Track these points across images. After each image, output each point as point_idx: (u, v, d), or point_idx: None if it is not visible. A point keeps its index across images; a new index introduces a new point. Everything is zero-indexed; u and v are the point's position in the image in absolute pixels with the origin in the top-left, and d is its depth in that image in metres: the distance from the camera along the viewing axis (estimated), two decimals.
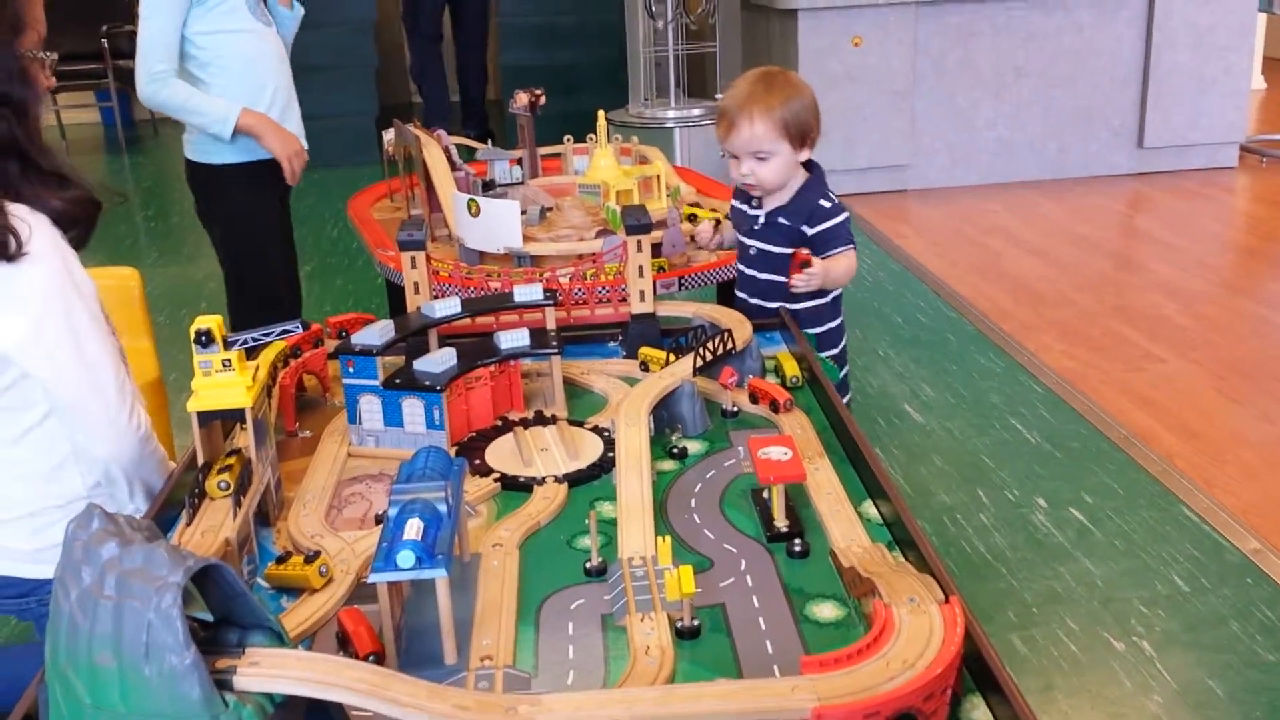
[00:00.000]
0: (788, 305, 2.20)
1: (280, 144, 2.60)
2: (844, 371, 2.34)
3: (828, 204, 2.17)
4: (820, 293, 2.21)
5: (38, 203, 1.48)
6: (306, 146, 2.79)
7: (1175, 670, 2.09)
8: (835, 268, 2.15)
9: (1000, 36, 5.41)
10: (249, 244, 2.81)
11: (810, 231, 2.16)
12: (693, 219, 2.35)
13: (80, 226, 1.53)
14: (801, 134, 2.14)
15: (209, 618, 0.97)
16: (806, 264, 2.09)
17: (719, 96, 5.58)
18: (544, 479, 1.45)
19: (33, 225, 1.44)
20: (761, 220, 2.21)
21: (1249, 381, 3.32)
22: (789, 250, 2.17)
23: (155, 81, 2.49)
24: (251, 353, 1.38)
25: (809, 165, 2.22)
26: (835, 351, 2.29)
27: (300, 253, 3.03)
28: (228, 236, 2.84)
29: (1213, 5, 5.41)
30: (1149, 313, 3.88)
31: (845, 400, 2.30)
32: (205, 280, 4.50)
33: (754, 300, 2.23)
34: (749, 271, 2.25)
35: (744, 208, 2.25)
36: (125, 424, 1.52)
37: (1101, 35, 5.46)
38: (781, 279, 2.15)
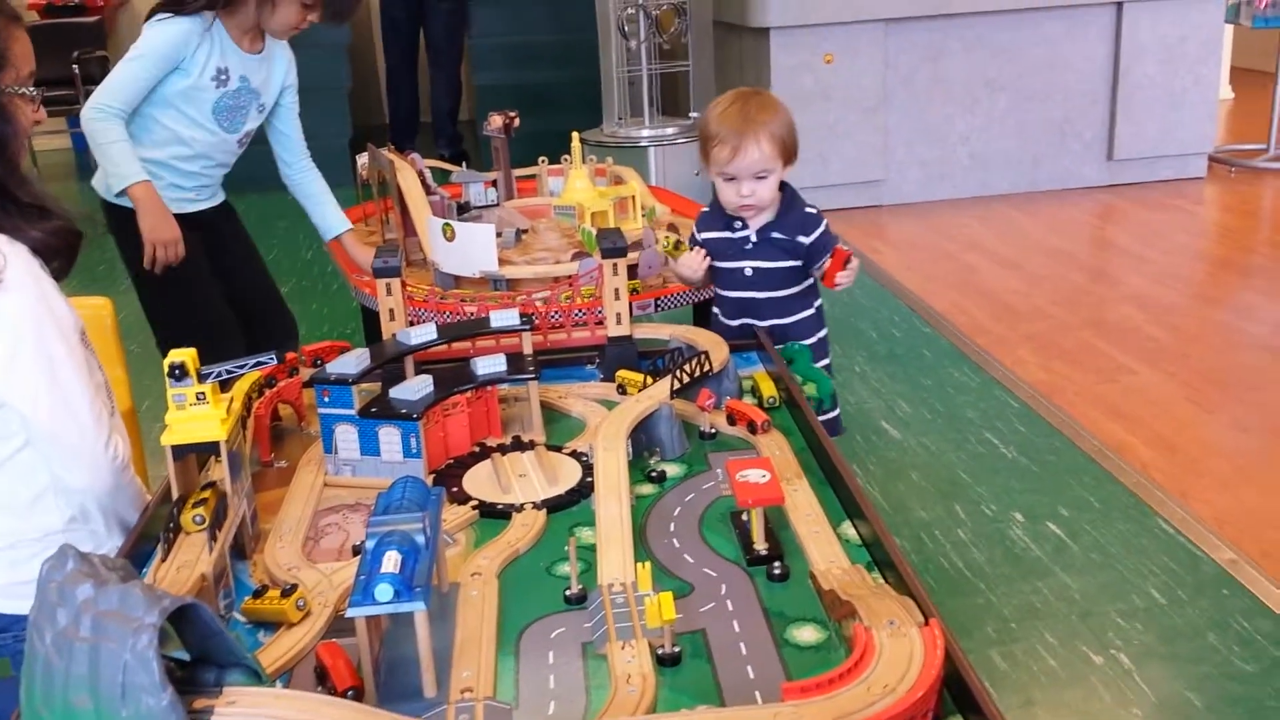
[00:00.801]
0: (780, 321, 2.23)
1: (150, 229, 2.47)
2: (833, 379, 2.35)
3: (813, 210, 2.22)
4: (809, 303, 2.25)
5: (17, 234, 1.48)
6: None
7: (1154, 683, 2.10)
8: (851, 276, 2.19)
9: (970, 51, 5.45)
10: (160, 292, 2.65)
11: (807, 240, 2.19)
12: (679, 245, 2.33)
13: (61, 257, 1.53)
14: (793, 151, 2.19)
15: (186, 657, 0.97)
16: (848, 260, 2.13)
17: (694, 115, 5.61)
18: (522, 506, 1.44)
19: (9, 255, 1.44)
20: (754, 239, 2.21)
21: (1222, 391, 3.35)
22: (788, 264, 2.19)
23: (100, 111, 2.45)
24: (226, 384, 1.38)
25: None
26: (827, 361, 2.31)
27: (274, 276, 3.00)
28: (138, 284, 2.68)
29: (1181, 17, 5.47)
30: (1122, 325, 3.91)
31: (836, 412, 2.32)
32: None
33: (745, 322, 2.22)
34: (742, 294, 2.22)
35: (725, 234, 2.23)
36: (101, 455, 1.51)
37: (1071, 49, 5.51)
38: (782, 293, 2.19)
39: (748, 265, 2.22)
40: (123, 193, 2.49)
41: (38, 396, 1.46)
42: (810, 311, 2.26)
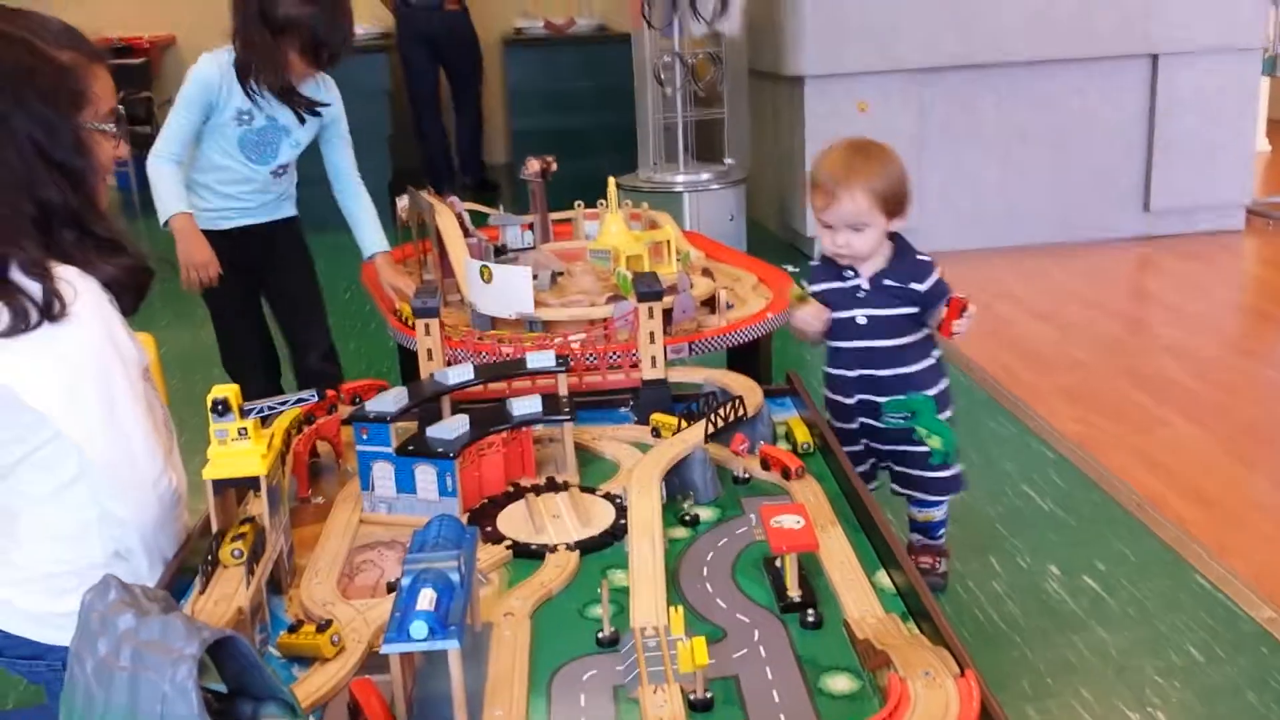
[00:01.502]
0: (900, 371, 2.24)
1: (183, 253, 2.79)
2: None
3: (925, 258, 2.23)
4: (927, 352, 2.26)
5: (90, 268, 1.50)
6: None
7: None
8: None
9: (1004, 102, 5.46)
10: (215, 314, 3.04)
11: (921, 287, 2.20)
12: (803, 298, 2.34)
13: (130, 294, 1.56)
14: (898, 205, 2.19)
15: (223, 689, 0.97)
16: (964, 308, 2.15)
17: (729, 161, 5.65)
18: (555, 546, 1.45)
19: (79, 289, 1.46)
20: (865, 287, 2.23)
21: (1261, 445, 3.31)
22: (903, 311, 2.21)
23: (157, 157, 2.79)
24: (266, 420, 1.39)
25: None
26: (950, 413, 2.31)
27: None
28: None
29: (1217, 69, 5.46)
30: (1158, 376, 3.88)
31: (959, 469, 2.32)
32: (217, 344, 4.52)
33: (863, 372, 2.25)
34: (858, 344, 2.24)
35: (837, 284, 2.25)
36: (150, 490, 1.51)
37: (1105, 100, 5.51)
38: (899, 341, 2.22)
39: (860, 314, 2.23)
40: (168, 225, 2.78)
41: (95, 429, 1.48)
42: (930, 361, 2.27)
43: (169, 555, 1.57)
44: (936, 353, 2.29)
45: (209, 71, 2.76)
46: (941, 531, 2.47)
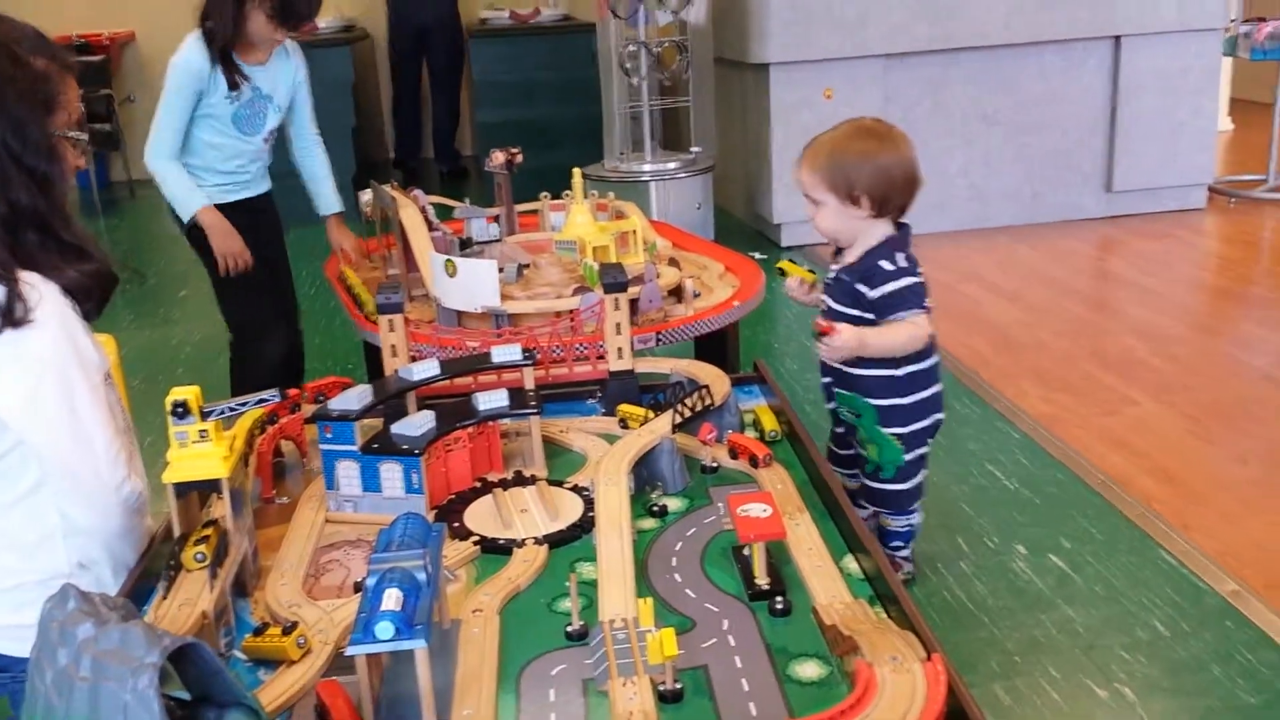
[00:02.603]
0: (845, 369, 2.21)
1: (219, 246, 2.93)
2: (916, 453, 2.27)
3: (890, 266, 2.12)
4: (888, 363, 2.15)
5: (54, 273, 1.50)
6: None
7: (1158, 717, 2.09)
8: (885, 336, 2.10)
9: (969, 85, 5.49)
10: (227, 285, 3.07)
11: (871, 294, 2.13)
12: (782, 273, 2.36)
13: (93, 299, 1.55)
14: (848, 190, 2.12)
15: (186, 696, 0.97)
16: (825, 334, 2.06)
17: (695, 150, 5.65)
18: (524, 541, 1.45)
19: (43, 294, 1.46)
20: (832, 276, 2.23)
21: (1224, 423, 3.35)
22: (851, 311, 2.16)
23: (158, 156, 2.88)
24: (228, 421, 1.38)
25: (899, 227, 2.19)
26: (901, 430, 2.22)
27: None
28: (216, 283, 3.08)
29: (1179, 49, 5.51)
30: (1123, 356, 3.92)
31: (898, 486, 2.26)
32: (180, 344, 4.48)
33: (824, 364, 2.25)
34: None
35: (833, 264, 2.27)
36: (113, 497, 1.50)
37: (1069, 82, 5.55)
38: None
39: (825, 301, 2.24)
40: (193, 219, 2.91)
41: (56, 436, 1.47)
42: (884, 372, 2.17)
43: (133, 562, 1.55)
44: (908, 369, 2.19)
45: (195, 59, 2.82)
46: (896, 543, 2.40)
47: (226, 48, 2.83)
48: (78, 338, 1.50)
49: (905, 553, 2.44)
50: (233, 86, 2.86)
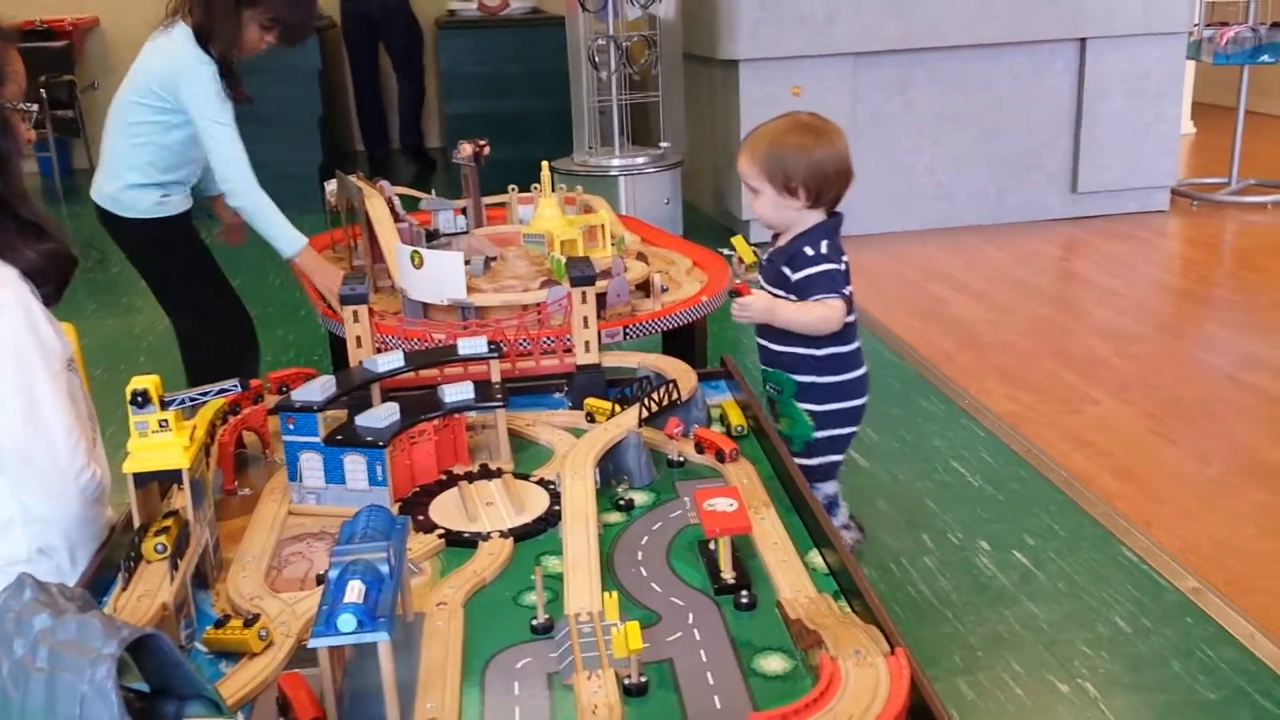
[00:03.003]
0: (769, 345, 2.30)
1: (328, 283, 2.64)
2: (828, 433, 2.31)
3: (811, 252, 2.22)
4: (809, 342, 2.24)
5: (11, 254, 1.48)
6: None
7: (1120, 712, 2.11)
8: (797, 312, 2.20)
9: (937, 85, 5.52)
10: (191, 288, 2.99)
11: (793, 276, 2.23)
12: (731, 249, 2.40)
13: (52, 282, 1.53)
14: (785, 180, 2.20)
15: (145, 688, 0.95)
16: (740, 293, 2.19)
17: (664, 145, 5.64)
18: (489, 534, 1.44)
19: (3, 278, 1.45)
20: (765, 259, 2.31)
21: (1184, 422, 3.39)
22: (778, 291, 2.25)
23: (255, 186, 2.72)
24: (190, 411, 1.36)
25: (832, 216, 2.28)
26: (814, 408, 2.28)
27: (243, 303, 3.04)
28: (171, 287, 2.99)
29: (1144, 53, 5.56)
30: (1087, 355, 3.95)
31: (811, 461, 2.30)
32: (144, 333, 4.44)
33: (756, 336, 2.34)
34: None
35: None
36: (71, 485, 1.48)
37: (1036, 83, 5.59)
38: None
39: (760, 281, 2.31)
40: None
41: (12, 421, 1.45)
42: (804, 351, 2.25)
43: (93, 551, 1.53)
44: (828, 350, 2.25)
45: (209, 70, 2.67)
46: None
47: (226, 57, 2.70)
48: (38, 323, 1.48)
49: (837, 521, 2.46)
50: (238, 100, 2.75)
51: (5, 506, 1.52)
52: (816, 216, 2.26)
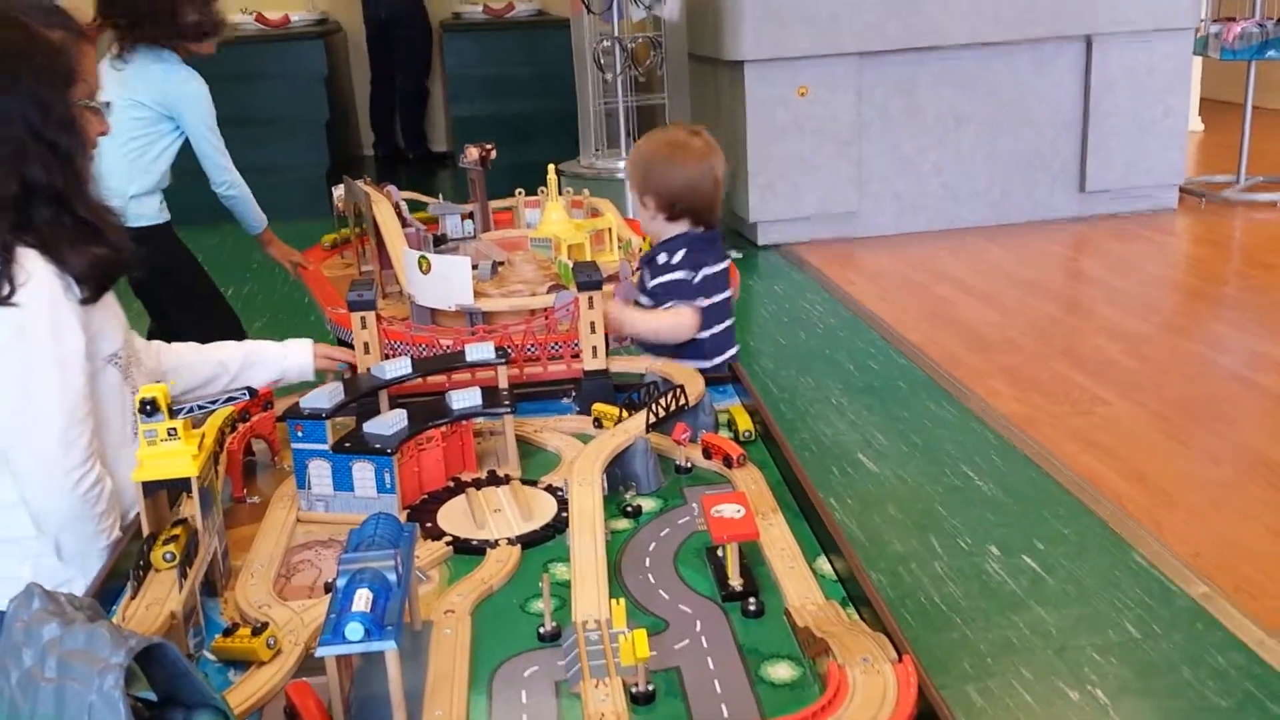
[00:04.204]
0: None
1: (287, 252, 3.18)
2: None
3: (664, 260, 2.29)
4: (668, 348, 2.27)
5: (57, 250, 1.51)
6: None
7: (1130, 718, 2.10)
8: (646, 320, 2.27)
9: (942, 85, 5.51)
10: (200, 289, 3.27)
11: (650, 283, 2.31)
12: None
13: (93, 283, 1.55)
14: (641, 192, 2.32)
15: (153, 697, 0.95)
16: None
17: None
18: (497, 541, 1.44)
19: (31, 273, 1.48)
20: (636, 266, 2.42)
21: (1194, 423, 3.38)
22: (644, 297, 2.33)
23: (235, 174, 3.12)
24: (199, 419, 1.37)
25: (708, 229, 2.34)
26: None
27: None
28: (183, 289, 3.22)
29: (1150, 50, 5.55)
30: (1095, 356, 3.94)
31: None
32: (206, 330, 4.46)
33: None
34: None
35: None
36: (58, 483, 1.50)
37: (1041, 81, 5.58)
38: None
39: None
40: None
41: (7, 411, 1.49)
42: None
43: (82, 556, 1.55)
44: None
45: (204, 86, 3.03)
46: None
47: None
48: (59, 323, 1.50)
49: None
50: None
51: (11, 488, 1.54)
52: (679, 228, 2.32)
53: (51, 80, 1.50)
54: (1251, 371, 3.75)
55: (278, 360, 1.92)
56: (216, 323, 3.17)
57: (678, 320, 2.24)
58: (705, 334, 2.30)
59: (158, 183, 3.08)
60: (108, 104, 1.61)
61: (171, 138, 3.06)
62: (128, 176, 2.96)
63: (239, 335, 3.18)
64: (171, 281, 3.10)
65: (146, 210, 3.04)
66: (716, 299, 2.31)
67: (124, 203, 2.91)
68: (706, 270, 2.29)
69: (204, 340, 3.13)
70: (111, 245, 1.56)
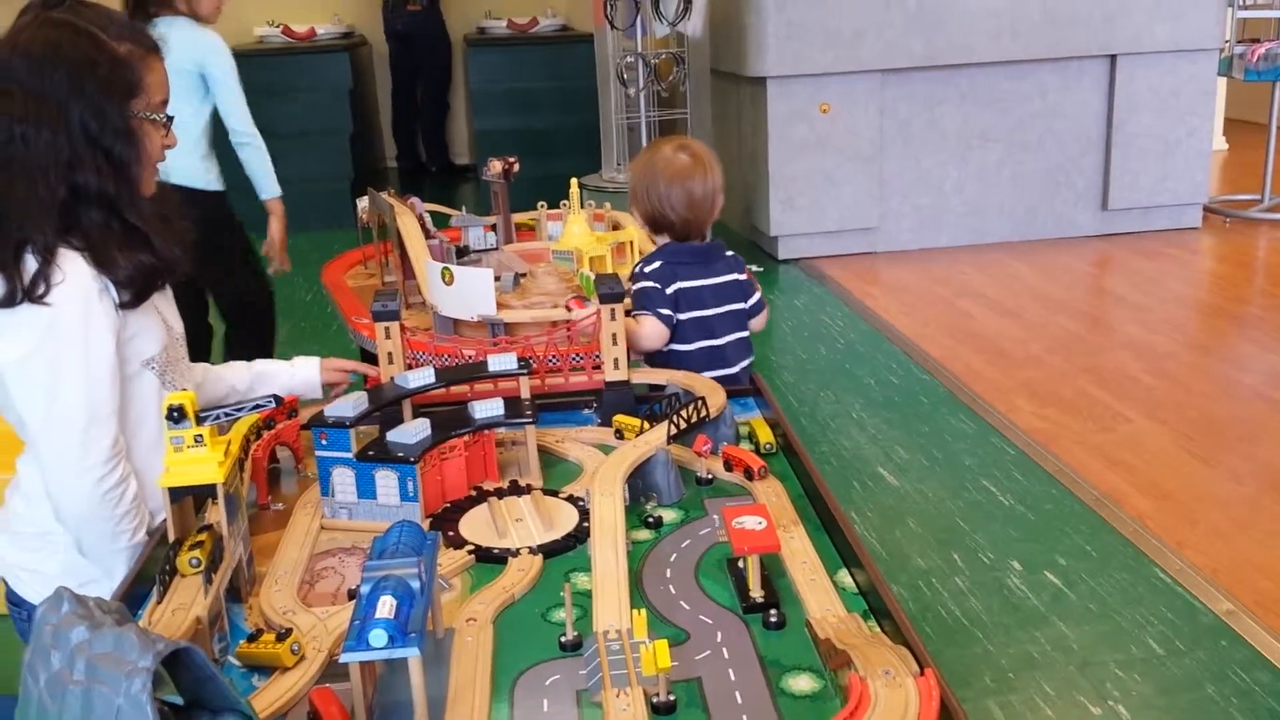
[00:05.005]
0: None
1: (284, 231, 3.42)
2: None
3: (638, 269, 2.36)
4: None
5: (102, 253, 1.54)
6: None
7: None
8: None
9: (965, 102, 5.51)
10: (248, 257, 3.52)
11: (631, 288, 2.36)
12: None
13: (133, 289, 1.58)
14: (631, 202, 2.43)
15: (179, 701, 0.96)
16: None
17: None
18: (518, 551, 1.44)
19: (67, 272, 1.51)
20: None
21: (1217, 441, 3.36)
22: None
23: (254, 130, 3.34)
24: (224, 426, 1.38)
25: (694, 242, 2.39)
26: None
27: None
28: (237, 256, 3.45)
29: (1175, 69, 5.53)
30: (1118, 373, 3.92)
31: None
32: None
33: None
34: None
35: None
36: (80, 478, 1.53)
37: (1066, 99, 5.57)
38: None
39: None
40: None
41: (34, 405, 1.53)
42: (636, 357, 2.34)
43: (103, 555, 1.58)
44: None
45: (225, 44, 3.26)
46: None
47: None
48: (89, 324, 1.53)
49: None
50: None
51: (39, 480, 1.58)
52: (664, 239, 2.40)
53: (112, 90, 1.54)
54: (1274, 390, 3.72)
55: (285, 379, 1.94)
56: (264, 285, 3.48)
57: (636, 327, 2.25)
58: (686, 347, 2.30)
59: (195, 146, 3.27)
60: (170, 118, 1.65)
61: (200, 96, 3.26)
62: (190, 139, 3.19)
63: (271, 313, 3.47)
64: (235, 246, 3.37)
65: (212, 173, 3.33)
66: (697, 314, 2.31)
67: (195, 162, 3.25)
68: (683, 283, 2.31)
69: (261, 304, 3.47)
70: (158, 254, 1.60)
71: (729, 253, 2.44)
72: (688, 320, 2.31)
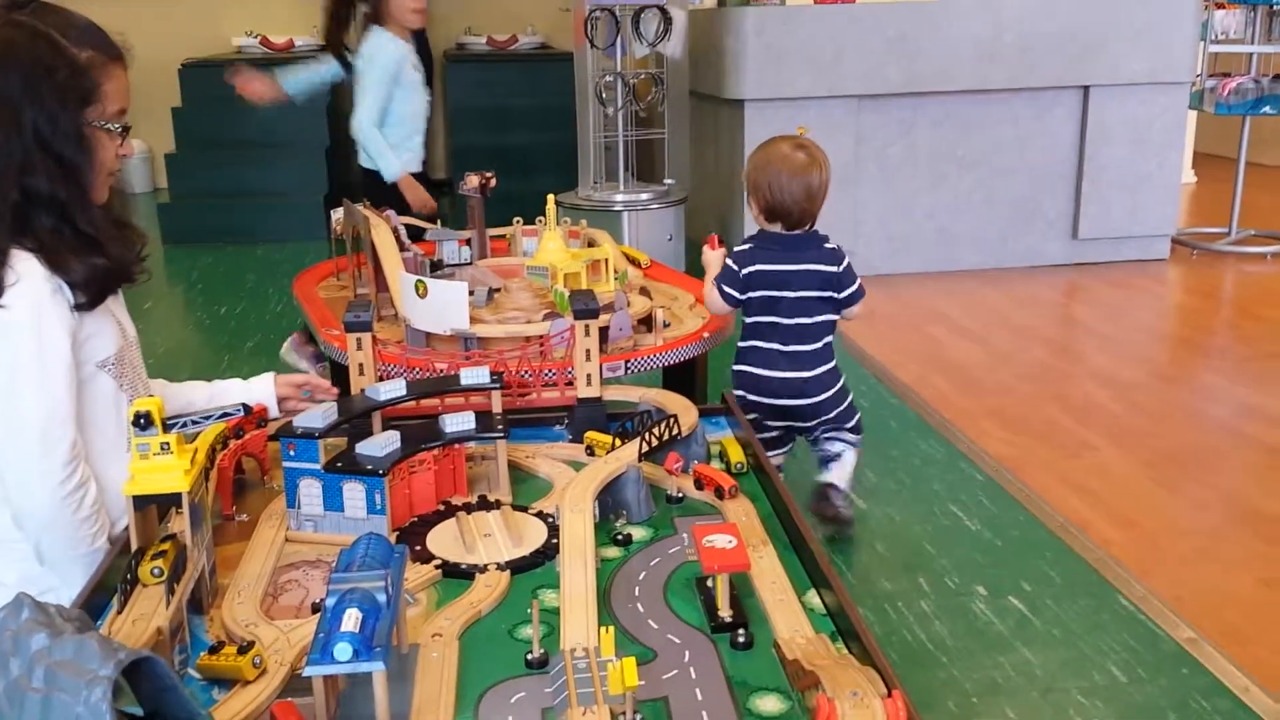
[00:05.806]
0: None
1: (423, 202, 3.88)
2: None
3: (731, 247, 2.71)
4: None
5: (56, 257, 1.53)
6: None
7: None
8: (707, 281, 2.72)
9: (940, 129, 5.56)
10: None
11: None
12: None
13: (89, 291, 1.57)
14: (746, 191, 2.70)
15: (139, 711, 0.95)
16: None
17: (668, 181, 5.68)
18: (486, 566, 1.43)
19: (21, 275, 1.50)
20: None
21: (1182, 470, 3.39)
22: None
23: (369, 128, 3.87)
24: (191, 434, 1.37)
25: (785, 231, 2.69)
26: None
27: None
28: None
29: (1146, 102, 5.61)
30: (1085, 401, 3.96)
31: None
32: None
33: None
34: None
35: None
36: (39, 481, 1.51)
37: (1038, 129, 5.63)
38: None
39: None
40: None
41: None
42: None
43: (63, 562, 1.56)
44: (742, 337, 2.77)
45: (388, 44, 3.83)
46: None
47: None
48: (42, 325, 1.52)
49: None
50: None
51: None
52: (763, 225, 2.71)
53: (67, 96, 1.53)
54: (1240, 421, 3.77)
55: (241, 396, 1.93)
56: None
57: (706, 291, 2.68)
58: (762, 343, 2.69)
59: (396, 137, 3.90)
60: (127, 128, 1.64)
61: (388, 93, 3.84)
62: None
63: None
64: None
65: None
66: (767, 293, 2.65)
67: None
68: (762, 266, 2.64)
69: None
70: (112, 258, 1.58)
71: (830, 245, 2.69)
72: (757, 298, 2.65)
